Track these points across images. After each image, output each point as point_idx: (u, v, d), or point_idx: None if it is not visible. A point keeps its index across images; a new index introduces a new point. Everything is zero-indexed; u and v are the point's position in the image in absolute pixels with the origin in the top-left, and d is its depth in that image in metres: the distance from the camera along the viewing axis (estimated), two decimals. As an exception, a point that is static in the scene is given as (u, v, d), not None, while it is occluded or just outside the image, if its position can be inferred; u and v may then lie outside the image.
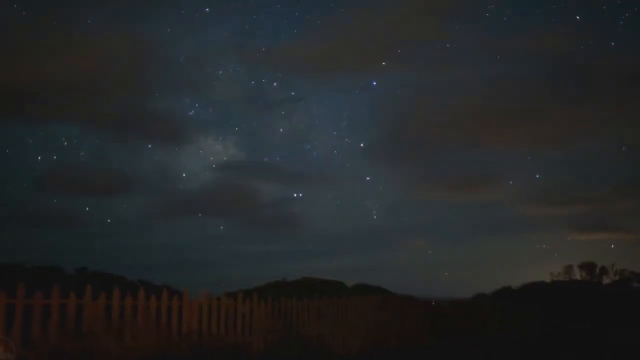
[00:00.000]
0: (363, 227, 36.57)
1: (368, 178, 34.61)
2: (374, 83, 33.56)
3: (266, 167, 34.48)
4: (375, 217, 35.07)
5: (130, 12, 33.57)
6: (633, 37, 31.77)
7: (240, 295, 8.85)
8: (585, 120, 33.23)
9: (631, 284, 29.10)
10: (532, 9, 34.24)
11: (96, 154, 31.82)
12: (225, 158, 34.75)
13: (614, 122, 33.33)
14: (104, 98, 29.77)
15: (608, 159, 34.75)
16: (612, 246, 34.61)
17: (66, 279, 13.82)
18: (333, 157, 34.66)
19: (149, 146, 33.19)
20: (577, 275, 30.97)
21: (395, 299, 13.46)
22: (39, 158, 28.73)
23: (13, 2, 26.33)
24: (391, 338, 11.36)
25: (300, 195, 35.13)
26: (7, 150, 29.25)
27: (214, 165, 34.40)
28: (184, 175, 34.18)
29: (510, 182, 33.31)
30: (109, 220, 29.78)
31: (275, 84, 33.76)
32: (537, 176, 33.43)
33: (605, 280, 30.18)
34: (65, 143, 29.45)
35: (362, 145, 34.32)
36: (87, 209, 31.09)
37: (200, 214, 32.05)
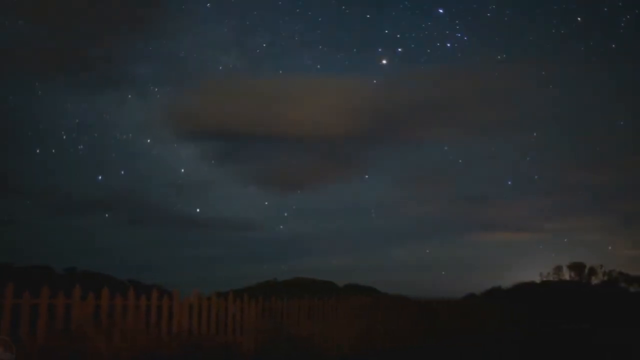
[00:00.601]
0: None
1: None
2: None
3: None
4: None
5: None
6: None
7: (231, 295, 8.84)
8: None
9: (619, 284, 29.43)
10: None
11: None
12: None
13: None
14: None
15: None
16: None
17: (56, 279, 13.74)
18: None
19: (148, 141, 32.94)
20: (567, 275, 31.27)
21: (386, 299, 13.50)
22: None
23: None
24: (383, 338, 11.36)
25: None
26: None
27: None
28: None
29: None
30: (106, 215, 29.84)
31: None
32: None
33: (594, 281, 30.50)
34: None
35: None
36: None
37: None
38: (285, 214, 34.99)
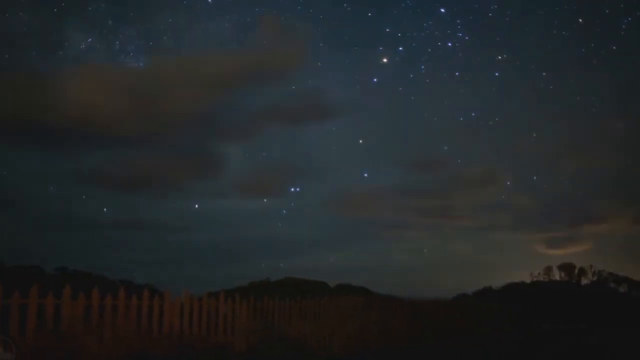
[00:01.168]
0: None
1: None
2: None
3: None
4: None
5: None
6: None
7: (222, 295, 8.83)
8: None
9: (608, 284, 29.70)
10: None
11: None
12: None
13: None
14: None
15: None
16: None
17: (46, 279, 13.63)
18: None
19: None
20: (557, 276, 31.50)
21: (378, 299, 13.52)
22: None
23: None
24: (377, 338, 11.35)
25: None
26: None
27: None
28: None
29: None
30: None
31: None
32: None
33: (584, 281, 30.74)
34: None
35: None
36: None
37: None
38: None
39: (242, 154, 34.07)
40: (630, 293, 28.61)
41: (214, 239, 33.34)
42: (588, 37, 31.49)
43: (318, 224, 36.29)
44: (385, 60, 30.56)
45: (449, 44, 30.94)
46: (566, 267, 31.21)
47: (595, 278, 30.38)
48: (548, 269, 31.55)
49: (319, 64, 34.27)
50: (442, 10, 30.51)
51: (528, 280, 30.67)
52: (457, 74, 31.80)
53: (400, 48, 31.27)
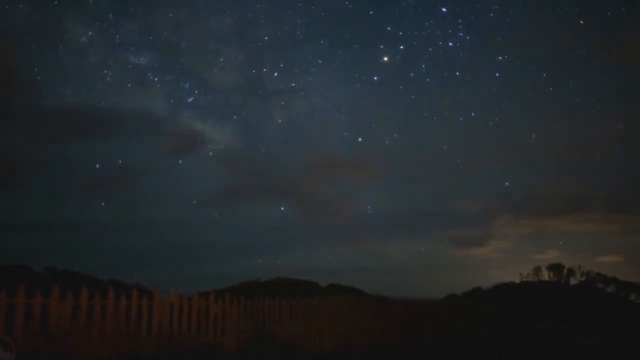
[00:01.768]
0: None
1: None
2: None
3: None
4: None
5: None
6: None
7: (213, 295, 8.79)
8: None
9: (596, 284, 29.97)
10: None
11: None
12: (222, 146, 34.61)
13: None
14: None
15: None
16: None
17: (35, 278, 13.52)
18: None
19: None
20: (546, 276, 31.74)
21: (369, 299, 13.51)
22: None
23: None
24: (369, 338, 11.34)
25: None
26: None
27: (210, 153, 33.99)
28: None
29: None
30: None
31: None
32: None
33: (573, 281, 31.00)
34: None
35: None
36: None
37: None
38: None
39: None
40: (618, 293, 28.92)
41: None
42: (588, 38, 31.71)
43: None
44: (385, 59, 30.67)
45: (450, 44, 31.15)
46: (555, 268, 31.47)
47: (583, 278, 30.66)
48: (537, 270, 31.81)
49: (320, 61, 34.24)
50: (444, 9, 30.75)
51: (518, 281, 30.92)
52: (457, 73, 31.95)
53: (401, 47, 31.39)
